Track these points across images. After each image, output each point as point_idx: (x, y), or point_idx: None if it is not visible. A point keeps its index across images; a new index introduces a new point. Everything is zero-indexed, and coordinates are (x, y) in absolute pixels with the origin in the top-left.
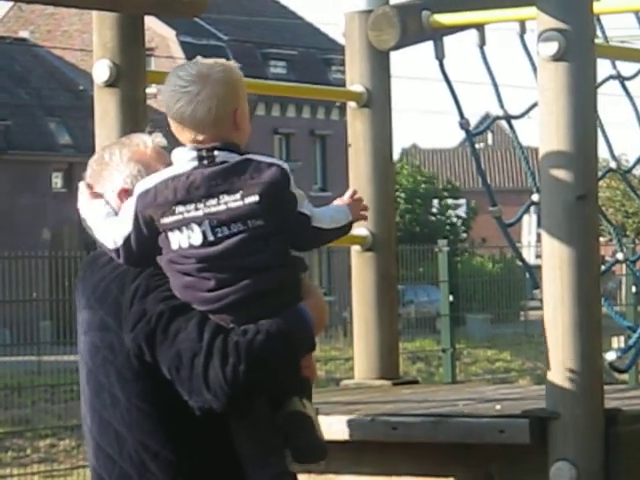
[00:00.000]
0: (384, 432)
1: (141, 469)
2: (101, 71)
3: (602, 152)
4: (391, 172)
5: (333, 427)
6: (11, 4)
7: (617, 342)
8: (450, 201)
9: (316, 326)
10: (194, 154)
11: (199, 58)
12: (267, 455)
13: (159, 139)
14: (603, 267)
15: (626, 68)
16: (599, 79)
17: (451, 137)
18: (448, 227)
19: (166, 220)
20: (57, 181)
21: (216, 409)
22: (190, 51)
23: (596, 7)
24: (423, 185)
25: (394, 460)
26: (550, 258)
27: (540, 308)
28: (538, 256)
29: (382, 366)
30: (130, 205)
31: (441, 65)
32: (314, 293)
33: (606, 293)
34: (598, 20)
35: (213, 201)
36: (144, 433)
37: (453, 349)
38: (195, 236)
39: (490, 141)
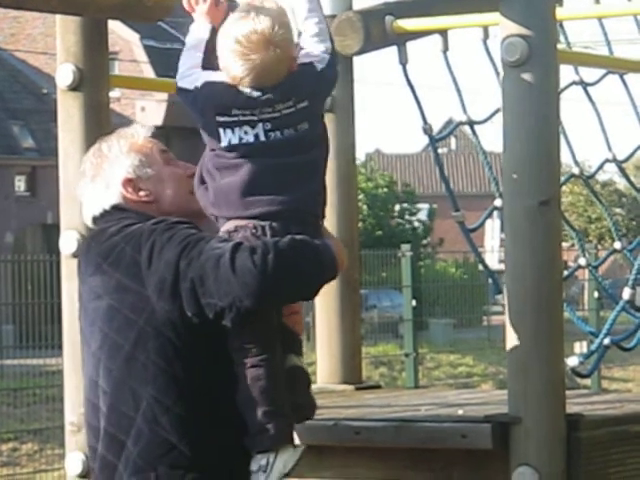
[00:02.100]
0: (347, 437)
1: (152, 423)
2: (65, 75)
3: (565, 158)
4: (354, 177)
5: (295, 431)
6: None
7: (579, 347)
8: (408, 205)
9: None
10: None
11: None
12: (277, 404)
13: (146, 128)
14: (566, 272)
15: (589, 74)
16: (562, 85)
17: (415, 142)
18: (410, 232)
19: (221, 119)
20: (20, 184)
21: (248, 306)
22: (154, 55)
23: (559, 13)
24: (385, 189)
25: (357, 465)
26: (513, 263)
27: (502, 313)
28: (501, 261)
29: (345, 371)
30: (200, 78)
31: (404, 70)
32: (334, 237)
33: (569, 298)
34: (561, 26)
35: (269, 109)
36: (158, 389)
37: (416, 354)
38: (247, 137)
39: (453, 146)
